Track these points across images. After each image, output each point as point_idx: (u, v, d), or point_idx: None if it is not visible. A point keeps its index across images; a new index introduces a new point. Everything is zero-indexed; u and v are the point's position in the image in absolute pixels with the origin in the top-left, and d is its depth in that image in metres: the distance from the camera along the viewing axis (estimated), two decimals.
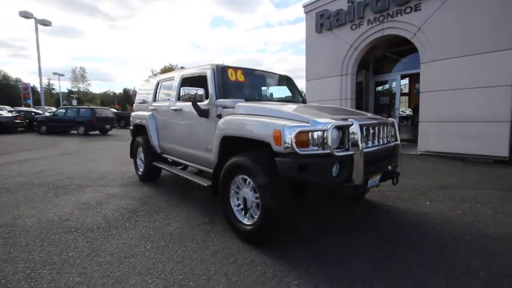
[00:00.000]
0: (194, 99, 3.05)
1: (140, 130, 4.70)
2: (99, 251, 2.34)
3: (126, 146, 5.64)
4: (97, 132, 14.66)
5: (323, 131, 2.11)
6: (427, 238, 2.59)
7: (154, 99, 4.35)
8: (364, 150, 2.29)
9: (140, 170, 4.66)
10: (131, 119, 4.98)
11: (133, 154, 4.86)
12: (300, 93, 4.29)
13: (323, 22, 9.17)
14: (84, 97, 61.00)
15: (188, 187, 4.35)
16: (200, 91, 3.03)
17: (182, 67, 4.35)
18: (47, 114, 16.74)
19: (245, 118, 2.60)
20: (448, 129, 6.75)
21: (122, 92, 69.35)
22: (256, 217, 2.40)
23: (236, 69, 3.44)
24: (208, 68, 3.27)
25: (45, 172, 5.20)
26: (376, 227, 2.82)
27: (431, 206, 3.42)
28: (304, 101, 4.07)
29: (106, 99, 65.65)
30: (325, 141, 2.11)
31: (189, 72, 3.70)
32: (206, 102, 3.12)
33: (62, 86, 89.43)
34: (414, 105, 11.50)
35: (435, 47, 6.85)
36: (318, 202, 3.51)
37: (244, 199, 2.50)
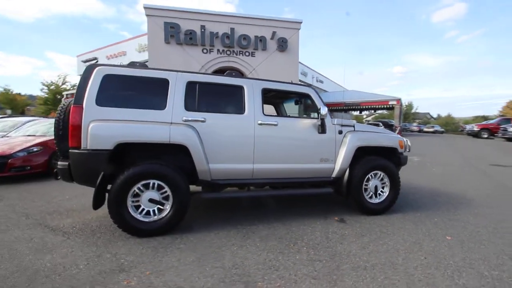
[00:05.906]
0: (322, 117, 3.45)
1: (135, 152, 3.02)
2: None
3: None
4: None
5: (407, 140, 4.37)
6: None
7: (186, 107, 3.21)
8: None
9: (155, 216, 2.89)
10: (102, 133, 2.75)
11: (112, 199, 2.70)
12: None
13: (173, 34, 9.28)
14: None
15: (226, 206, 3.93)
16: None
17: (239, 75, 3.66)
18: None
19: (370, 134, 3.81)
20: None
21: None
22: (384, 195, 3.67)
23: None
24: (311, 90, 3.72)
25: None
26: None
27: None
28: None
29: None
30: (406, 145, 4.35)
31: (279, 87, 3.66)
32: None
33: None
34: None
35: None
36: None
37: (375, 187, 3.69)
